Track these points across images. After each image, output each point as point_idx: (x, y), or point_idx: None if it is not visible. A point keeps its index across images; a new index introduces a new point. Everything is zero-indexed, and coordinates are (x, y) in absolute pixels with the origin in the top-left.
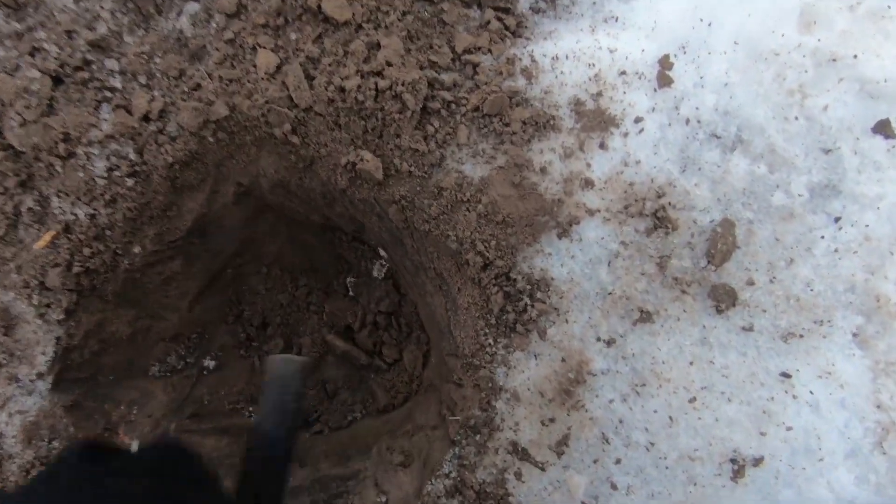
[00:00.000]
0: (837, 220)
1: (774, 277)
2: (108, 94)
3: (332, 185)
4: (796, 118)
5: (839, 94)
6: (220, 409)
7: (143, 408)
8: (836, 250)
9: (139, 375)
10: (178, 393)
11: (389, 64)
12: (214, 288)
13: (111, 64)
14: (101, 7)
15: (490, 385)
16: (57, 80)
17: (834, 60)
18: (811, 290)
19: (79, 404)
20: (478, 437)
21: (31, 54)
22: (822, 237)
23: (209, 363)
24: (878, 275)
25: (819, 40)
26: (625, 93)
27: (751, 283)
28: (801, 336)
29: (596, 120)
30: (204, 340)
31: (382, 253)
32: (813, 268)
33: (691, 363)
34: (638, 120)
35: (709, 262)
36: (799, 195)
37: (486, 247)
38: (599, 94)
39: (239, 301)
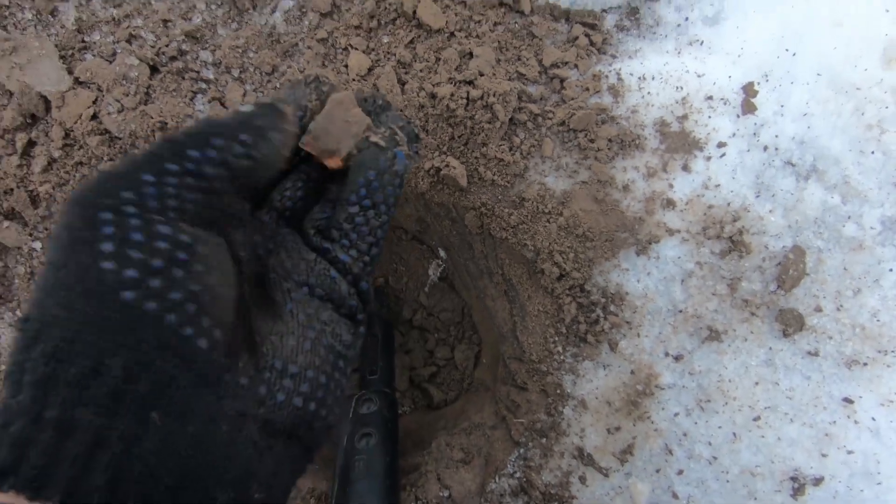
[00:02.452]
0: None
1: (841, 306)
2: (203, 85)
3: (410, 187)
4: (873, 152)
5: None
6: None
7: None
8: None
9: None
10: None
11: (481, 74)
12: None
13: (205, 55)
14: None
15: (557, 391)
16: (153, 69)
17: None
18: (877, 320)
19: None
20: (543, 441)
21: (129, 41)
22: (891, 270)
23: None
24: None
25: None
26: (710, 117)
27: (818, 309)
28: (865, 364)
29: (680, 142)
30: None
31: (442, 254)
32: (880, 299)
33: (756, 383)
34: (721, 145)
35: (779, 286)
36: (870, 228)
37: (563, 258)
38: (685, 116)
39: None
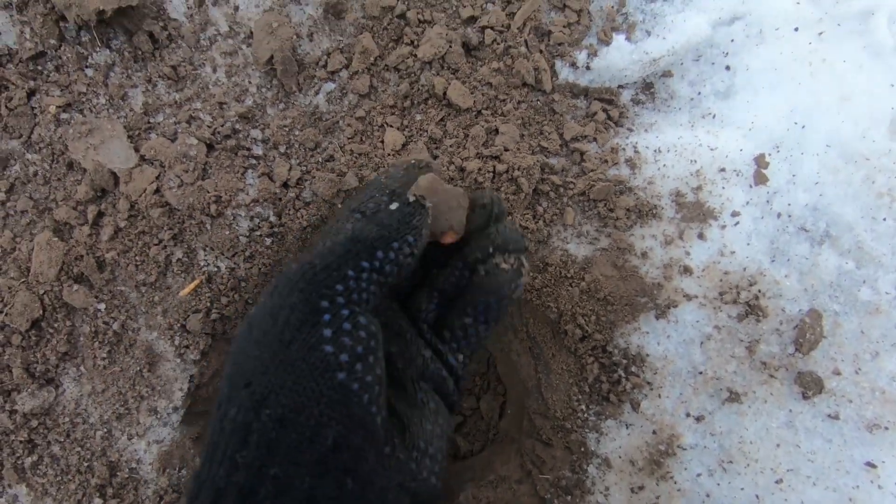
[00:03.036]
0: None
1: (860, 369)
2: (253, 161)
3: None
4: (884, 219)
5: None
6: None
7: None
8: None
9: None
10: None
11: (506, 149)
12: None
13: (256, 133)
14: (250, 82)
15: (582, 449)
16: (210, 147)
17: None
18: None
19: (202, 436)
20: (568, 498)
21: (188, 122)
22: None
23: None
24: None
25: None
26: (723, 188)
27: (837, 372)
28: (887, 428)
29: (695, 211)
30: None
31: None
32: None
33: (778, 445)
34: (735, 214)
35: (796, 349)
36: (886, 292)
37: (585, 321)
38: (699, 187)
39: None
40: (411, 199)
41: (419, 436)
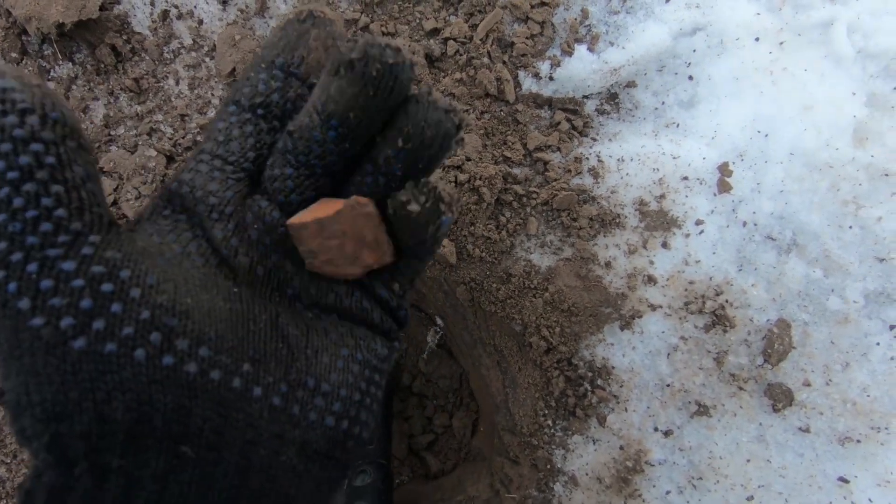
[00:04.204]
0: (893, 327)
1: (830, 380)
2: None
3: None
4: (850, 227)
5: (892, 207)
6: None
7: None
8: (892, 358)
9: None
10: None
11: (468, 159)
12: None
13: None
14: (213, 94)
15: (548, 466)
16: (170, 159)
17: (887, 175)
18: (868, 395)
19: None
20: None
21: (149, 134)
22: (878, 344)
23: None
24: None
25: (872, 156)
26: (687, 196)
27: (807, 384)
28: (859, 441)
29: (659, 220)
30: None
31: (439, 322)
32: (869, 373)
33: (748, 460)
34: (699, 222)
35: (765, 360)
36: (854, 301)
37: (550, 332)
38: (663, 196)
39: None
40: None
41: (308, 372)
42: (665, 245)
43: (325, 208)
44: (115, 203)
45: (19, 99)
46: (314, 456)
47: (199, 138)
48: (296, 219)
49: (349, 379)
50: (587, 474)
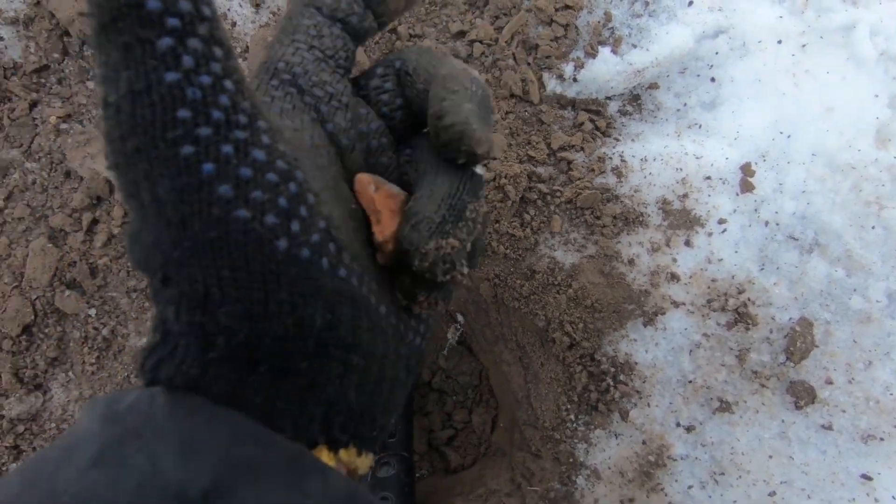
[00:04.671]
0: None
1: (853, 378)
2: None
3: None
4: (873, 227)
5: None
6: None
7: None
8: None
9: None
10: None
11: (494, 158)
12: None
13: None
14: None
15: (570, 460)
16: None
17: None
18: (891, 393)
19: None
20: None
21: None
22: None
23: None
24: None
25: (895, 157)
26: (709, 196)
27: (829, 382)
28: (882, 439)
29: (682, 219)
30: None
31: (460, 318)
32: (892, 372)
33: (770, 456)
34: (721, 221)
35: (787, 358)
36: (877, 301)
37: (573, 328)
38: (685, 195)
39: None
40: None
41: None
42: (688, 243)
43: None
44: None
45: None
46: (412, 369)
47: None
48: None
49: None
50: (609, 468)
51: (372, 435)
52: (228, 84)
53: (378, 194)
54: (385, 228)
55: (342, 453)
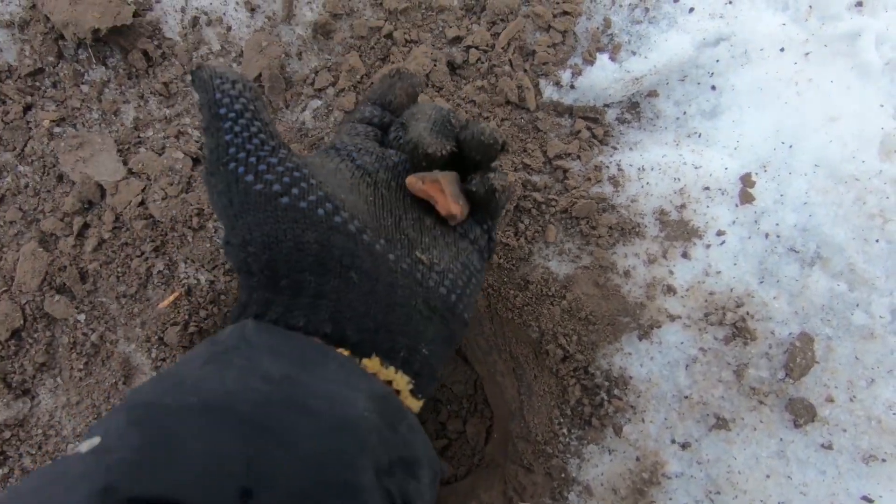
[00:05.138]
0: None
1: (854, 396)
2: None
3: None
4: (877, 241)
5: None
6: None
7: None
8: None
9: None
10: None
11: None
12: None
13: None
14: None
15: (562, 475)
16: (196, 161)
17: None
18: (893, 413)
19: None
20: None
21: (177, 137)
22: None
23: None
24: None
25: None
26: (708, 207)
27: (830, 399)
28: (884, 460)
29: (679, 230)
30: None
31: None
32: (895, 390)
33: (768, 476)
34: (720, 233)
35: (787, 374)
36: (880, 316)
37: (567, 340)
38: (683, 206)
39: None
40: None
41: (422, 254)
42: (685, 255)
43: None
44: (142, 203)
45: (230, 77)
46: (435, 309)
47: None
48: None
49: (456, 267)
50: (602, 484)
51: (394, 350)
52: (262, 135)
53: (425, 185)
54: (441, 205)
55: (366, 361)
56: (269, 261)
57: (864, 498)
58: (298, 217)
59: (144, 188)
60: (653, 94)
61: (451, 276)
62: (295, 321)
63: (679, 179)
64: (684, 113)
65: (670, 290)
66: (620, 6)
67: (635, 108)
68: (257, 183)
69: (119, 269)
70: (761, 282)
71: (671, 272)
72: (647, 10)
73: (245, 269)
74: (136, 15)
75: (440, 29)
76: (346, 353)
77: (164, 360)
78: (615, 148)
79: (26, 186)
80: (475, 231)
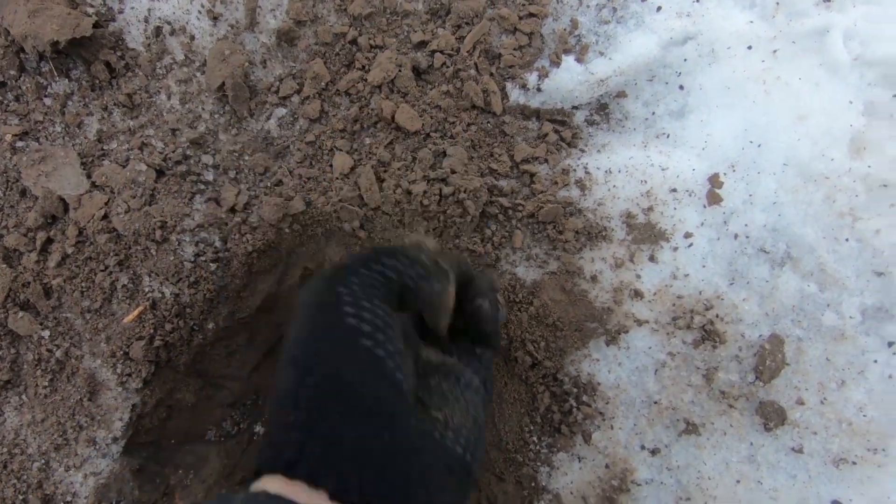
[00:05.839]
0: (891, 344)
1: (825, 399)
2: (202, 186)
3: None
4: (847, 239)
5: (892, 219)
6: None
7: (198, 472)
8: (890, 376)
9: (197, 440)
10: (230, 458)
11: (453, 171)
12: (272, 356)
13: (207, 159)
14: (203, 108)
15: (533, 484)
16: (160, 173)
17: (885, 186)
18: (864, 415)
19: (143, 468)
20: None
21: (140, 149)
22: (876, 361)
23: (260, 429)
24: None
25: (870, 166)
26: (675, 209)
27: (800, 402)
28: (854, 463)
29: (646, 233)
30: (257, 406)
31: None
32: (866, 392)
33: (738, 481)
34: (688, 235)
35: (757, 377)
36: (850, 317)
37: (535, 347)
38: (650, 208)
39: None
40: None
41: (441, 410)
42: (652, 258)
43: None
44: (105, 216)
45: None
46: (451, 472)
47: (189, 152)
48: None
49: (469, 423)
50: (572, 493)
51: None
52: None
53: None
54: None
55: None
56: (318, 399)
57: (835, 502)
58: (371, 363)
59: (108, 201)
60: (621, 94)
61: (465, 433)
62: (323, 484)
63: (646, 182)
64: (653, 113)
65: (637, 294)
66: (588, 6)
67: (604, 109)
68: (350, 317)
69: (83, 284)
70: (731, 283)
71: (638, 276)
72: (614, 9)
73: (292, 402)
74: (97, 26)
75: (405, 34)
76: None
77: (129, 374)
78: (583, 150)
79: None
80: (474, 365)
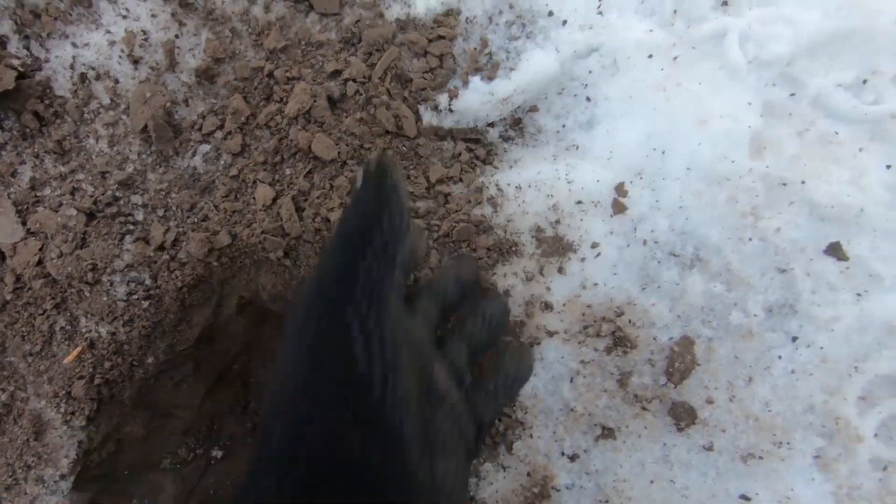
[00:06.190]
0: (794, 339)
1: (734, 396)
2: (132, 226)
3: None
4: (750, 239)
5: (791, 216)
6: (226, 498)
7: (153, 501)
8: (792, 371)
9: (152, 469)
10: (186, 485)
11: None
12: (223, 383)
13: (136, 199)
14: (130, 150)
15: None
16: (90, 216)
17: (784, 184)
18: (769, 410)
19: (95, 501)
20: None
21: (72, 193)
22: (780, 357)
23: (217, 453)
24: (837, 396)
25: (768, 166)
26: (581, 220)
27: (710, 401)
28: (761, 458)
29: (555, 246)
30: (213, 431)
31: None
32: (771, 387)
33: (652, 482)
34: (594, 245)
35: (668, 379)
36: (755, 315)
37: None
38: (558, 221)
39: (246, 392)
40: (371, 169)
41: (432, 457)
42: (561, 270)
43: None
44: (40, 262)
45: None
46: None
47: (118, 194)
48: None
49: (458, 486)
50: (497, 502)
51: None
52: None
53: None
54: None
55: None
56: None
57: (742, 496)
58: (378, 421)
59: (42, 247)
60: (533, 108)
61: (454, 494)
62: None
63: (552, 196)
64: (563, 126)
65: (547, 306)
66: (497, 24)
67: (518, 124)
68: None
69: (24, 329)
70: (643, 289)
71: (548, 288)
72: (523, 25)
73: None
74: (23, 76)
75: (320, 64)
76: None
77: (73, 413)
78: (496, 167)
79: None
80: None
